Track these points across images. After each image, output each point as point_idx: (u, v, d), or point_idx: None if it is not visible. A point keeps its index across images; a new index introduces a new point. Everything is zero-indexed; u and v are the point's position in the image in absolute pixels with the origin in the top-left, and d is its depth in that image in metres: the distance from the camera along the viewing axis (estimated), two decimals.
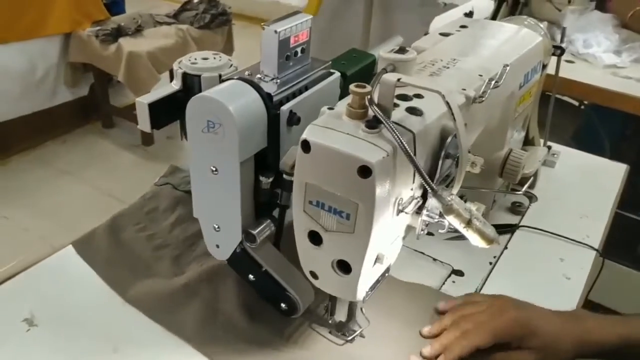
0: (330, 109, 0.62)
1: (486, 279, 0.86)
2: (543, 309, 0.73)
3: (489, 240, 0.57)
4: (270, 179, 0.72)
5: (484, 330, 0.69)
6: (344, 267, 0.62)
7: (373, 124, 0.57)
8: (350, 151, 0.54)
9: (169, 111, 0.76)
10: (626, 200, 1.69)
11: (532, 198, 1.05)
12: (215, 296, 0.79)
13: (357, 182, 0.54)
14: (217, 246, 0.76)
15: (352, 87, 0.58)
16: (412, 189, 0.61)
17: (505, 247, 0.93)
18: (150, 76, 2.57)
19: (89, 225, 0.92)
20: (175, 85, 0.77)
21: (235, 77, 0.70)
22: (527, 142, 1.06)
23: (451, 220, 0.57)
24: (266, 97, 0.69)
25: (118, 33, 2.67)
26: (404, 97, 0.64)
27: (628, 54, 1.64)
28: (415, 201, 0.62)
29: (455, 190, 0.61)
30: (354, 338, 0.73)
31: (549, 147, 1.15)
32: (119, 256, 0.86)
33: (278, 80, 0.72)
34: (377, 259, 0.61)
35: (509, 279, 0.87)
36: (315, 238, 0.61)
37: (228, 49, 2.98)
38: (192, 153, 0.71)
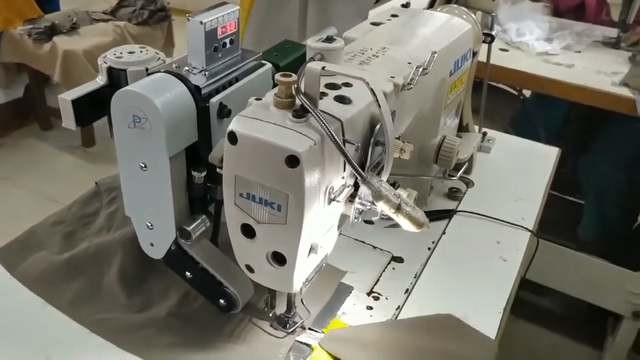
0: (257, 99, 0.61)
1: (425, 264, 0.88)
2: None
3: (419, 224, 0.58)
4: (203, 174, 0.71)
5: None
6: (278, 259, 0.61)
7: (300, 113, 0.56)
8: (277, 141, 0.54)
9: (94, 107, 0.73)
10: (563, 183, 1.75)
11: (468, 183, 1.07)
12: (98, 272, 0.80)
13: (286, 172, 0.54)
14: (152, 244, 0.74)
15: (278, 76, 0.57)
16: (343, 177, 0.61)
17: (444, 233, 0.95)
18: (88, 75, 2.49)
19: None
20: (101, 80, 0.74)
21: (162, 70, 0.69)
22: (462, 128, 1.07)
23: (381, 206, 0.57)
24: (194, 90, 0.67)
25: (52, 31, 2.57)
26: (333, 86, 0.64)
27: (558, 41, 1.70)
28: (347, 189, 0.62)
29: (385, 177, 0.61)
30: (295, 330, 0.72)
31: (484, 134, 1.18)
32: (21, 240, 0.85)
33: (207, 73, 0.71)
34: (312, 249, 0.61)
35: (448, 263, 0.88)
36: (248, 231, 0.61)
37: (168, 44, 2.92)
38: (119, 150, 0.69)
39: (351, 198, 0.63)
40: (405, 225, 0.58)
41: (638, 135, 1.79)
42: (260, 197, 0.57)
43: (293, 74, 0.57)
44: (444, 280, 0.84)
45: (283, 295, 0.74)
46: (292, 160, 0.53)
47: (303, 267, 0.62)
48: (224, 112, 0.70)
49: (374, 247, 0.90)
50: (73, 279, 0.79)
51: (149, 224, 0.73)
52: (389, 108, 0.62)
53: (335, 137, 0.54)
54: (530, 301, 2.02)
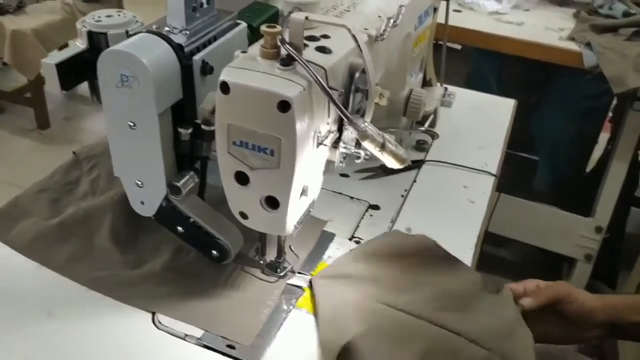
0: (243, 52, 0.64)
1: (400, 210, 0.93)
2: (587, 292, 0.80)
3: (402, 160, 0.62)
4: (190, 130, 0.73)
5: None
6: (272, 203, 0.65)
7: (287, 62, 0.60)
8: (268, 87, 0.57)
9: (77, 72, 0.75)
10: (518, 140, 1.84)
11: (434, 136, 1.13)
12: (89, 233, 0.82)
13: (278, 117, 0.58)
14: (142, 203, 0.77)
15: (263, 27, 0.60)
16: (328, 123, 0.65)
17: (414, 181, 1.01)
18: (39, 54, 2.42)
19: None
20: (81, 44, 0.75)
21: (144, 31, 0.71)
22: (425, 83, 1.13)
23: (367, 145, 0.62)
24: (177, 48, 0.69)
25: None
26: (312, 38, 0.68)
27: (508, 1, 1.77)
28: (332, 135, 0.66)
29: (368, 119, 0.65)
30: (285, 274, 0.77)
31: (446, 88, 1.24)
32: (5, 210, 0.86)
33: (187, 32, 0.73)
34: (303, 192, 0.65)
35: (421, 208, 0.94)
36: (241, 178, 0.64)
37: None
38: (107, 110, 0.71)
39: (335, 144, 0.67)
40: (389, 162, 0.63)
41: (585, 89, 1.89)
42: (254, 143, 0.61)
43: (277, 25, 0.60)
44: (418, 223, 0.90)
45: (272, 244, 0.78)
46: (284, 105, 0.57)
47: (295, 210, 0.66)
48: (207, 69, 0.72)
49: (351, 198, 0.95)
50: (65, 241, 0.81)
51: (139, 182, 0.75)
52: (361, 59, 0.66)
53: (322, 82, 0.58)
54: (491, 253, 2.12)
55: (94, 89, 0.80)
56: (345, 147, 0.67)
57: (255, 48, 0.63)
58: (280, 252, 0.77)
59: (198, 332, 0.69)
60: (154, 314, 0.71)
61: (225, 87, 0.59)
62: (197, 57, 0.71)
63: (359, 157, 0.67)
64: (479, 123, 1.20)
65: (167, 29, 0.72)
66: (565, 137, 1.97)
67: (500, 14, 1.74)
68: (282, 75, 0.59)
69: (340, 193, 0.96)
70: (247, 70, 0.59)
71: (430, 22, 1.01)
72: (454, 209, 0.95)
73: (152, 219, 0.78)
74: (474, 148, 1.11)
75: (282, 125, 0.58)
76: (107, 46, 0.74)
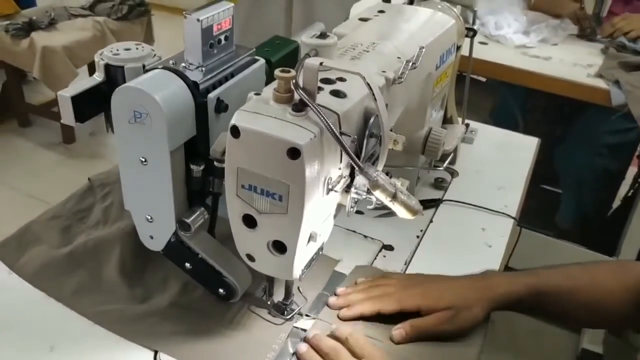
0: (257, 94, 0.63)
1: (415, 252, 0.91)
2: (451, 277, 0.79)
3: (414, 212, 0.61)
4: (202, 167, 0.73)
5: (389, 298, 0.75)
6: (279, 247, 0.64)
7: (299, 107, 0.59)
8: (278, 134, 0.56)
9: (93, 104, 0.75)
10: (542, 173, 1.80)
11: (453, 173, 1.11)
12: (97, 265, 0.82)
13: (287, 163, 0.56)
14: (151, 237, 0.76)
15: (277, 72, 0.59)
16: (340, 169, 0.64)
17: (431, 221, 0.98)
18: (68, 71, 2.48)
19: (11, 229, 0.89)
20: (98, 77, 0.76)
21: (160, 67, 0.70)
22: (446, 120, 1.11)
23: (378, 194, 0.60)
24: (192, 86, 0.69)
25: (30, 27, 2.55)
26: (328, 81, 0.67)
27: (535, 35, 1.75)
28: (343, 180, 0.64)
29: (380, 167, 0.64)
30: (292, 316, 0.75)
31: (467, 125, 1.22)
32: (18, 236, 0.86)
33: (203, 69, 0.72)
34: (311, 237, 0.64)
35: (436, 250, 0.92)
36: (249, 221, 0.63)
37: (148, 40, 2.91)
38: (120, 145, 0.71)
39: (347, 188, 0.66)
40: (401, 212, 0.61)
41: (612, 124, 1.85)
42: (262, 188, 0.60)
43: (292, 70, 0.60)
44: (433, 266, 0.87)
45: (280, 284, 0.76)
46: (294, 152, 0.56)
47: (302, 255, 0.65)
48: (222, 107, 0.72)
49: (365, 237, 0.93)
50: (73, 272, 0.80)
51: (149, 217, 0.75)
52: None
53: (334, 129, 0.57)
54: None
55: (109, 120, 0.80)
56: (357, 193, 0.65)
57: (269, 90, 0.62)
58: (288, 293, 0.75)
59: None
60: (156, 353, 0.70)
61: (235, 131, 0.58)
62: (212, 95, 0.70)
63: (370, 203, 0.66)
64: (500, 161, 1.18)
65: (183, 65, 0.72)
66: (591, 172, 1.93)
67: (527, 48, 1.71)
68: (293, 121, 0.58)
69: (354, 231, 0.94)
70: (259, 114, 0.59)
71: (452, 60, 0.99)
72: (471, 252, 0.92)
73: (161, 253, 0.77)
74: (494, 188, 1.09)
75: (291, 172, 0.57)
76: (124, 79, 0.74)
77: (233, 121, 0.58)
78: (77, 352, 0.70)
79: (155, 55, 0.78)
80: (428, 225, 0.97)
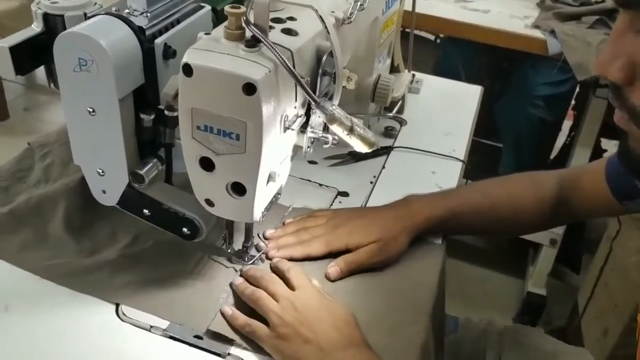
0: (207, 34, 0.62)
1: (369, 197, 0.93)
2: (375, 209, 0.83)
3: (371, 144, 0.62)
4: (152, 116, 0.71)
5: (318, 242, 0.77)
6: (238, 189, 0.63)
7: (252, 44, 0.58)
8: (233, 69, 0.56)
9: (32, 55, 0.72)
10: (484, 129, 1.85)
11: (402, 122, 1.13)
12: (42, 222, 0.80)
13: (243, 100, 0.56)
14: (104, 191, 0.74)
15: (227, 8, 0.58)
16: (295, 107, 0.64)
17: (383, 167, 1.00)
18: None
19: None
20: (36, 27, 0.72)
21: (103, 13, 0.68)
22: (393, 69, 1.12)
23: (335, 129, 0.61)
24: (138, 31, 0.67)
25: None
26: (278, 20, 0.66)
27: None
28: (299, 119, 0.65)
29: (335, 102, 0.64)
30: (254, 262, 0.75)
31: (413, 75, 1.23)
32: None
33: (148, 14, 0.70)
34: (270, 178, 0.64)
35: (389, 194, 0.93)
36: (206, 164, 0.62)
37: None
38: (64, 96, 0.68)
39: (303, 128, 0.66)
40: (358, 145, 0.62)
41: (547, 77, 1.91)
42: (218, 128, 0.59)
43: (242, 6, 0.59)
44: None
45: (239, 232, 0.76)
46: (249, 88, 0.55)
47: (262, 196, 0.65)
48: (170, 53, 0.70)
49: (320, 185, 0.94)
50: (17, 230, 0.78)
51: (100, 171, 0.72)
52: (328, 42, 0.65)
53: (288, 64, 0.57)
54: (457, 239, 2.14)
55: (51, 73, 0.77)
56: (313, 132, 0.65)
57: (219, 30, 0.61)
58: (248, 237, 0.75)
59: (164, 323, 0.67)
60: (117, 305, 0.69)
61: (188, 70, 0.57)
62: (159, 41, 0.68)
63: (327, 142, 0.66)
64: (446, 109, 1.20)
65: (127, 11, 0.70)
66: (529, 125, 1.99)
67: (466, 2, 1.74)
68: (247, 57, 0.57)
69: (309, 180, 0.94)
70: (211, 52, 0.58)
71: (397, 7, 1.00)
72: (416, 179, 0.95)
73: (109, 207, 0.76)
74: (442, 134, 1.11)
75: (247, 109, 0.57)
76: (64, 29, 0.71)
77: (185, 59, 0.57)
78: (33, 310, 0.68)
79: (95, 3, 0.75)
80: (380, 172, 0.99)
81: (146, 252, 0.77)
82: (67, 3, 0.73)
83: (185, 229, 0.75)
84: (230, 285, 0.72)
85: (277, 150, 0.63)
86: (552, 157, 2.21)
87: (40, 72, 0.77)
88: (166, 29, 0.71)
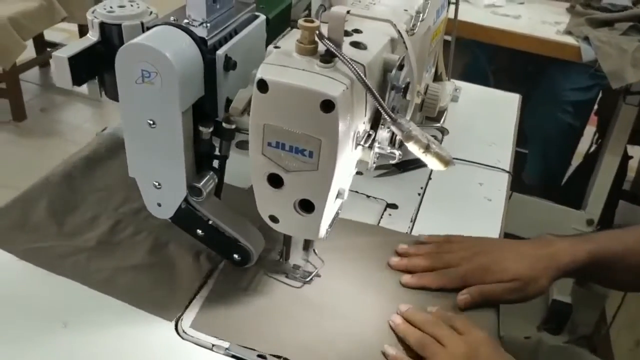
0: (276, 47, 0.60)
1: (418, 209, 0.91)
2: (513, 244, 0.78)
3: (446, 162, 0.60)
4: (210, 129, 0.69)
5: (455, 275, 0.74)
6: (306, 206, 0.62)
7: (327, 59, 0.56)
8: (311, 86, 0.54)
9: (89, 65, 0.70)
10: None
11: (444, 131, 1.11)
12: (25, 214, 0.81)
13: (320, 117, 0.54)
14: (159, 204, 0.73)
15: (301, 22, 0.57)
16: (364, 123, 0.62)
17: (430, 178, 0.98)
18: (16, 44, 2.33)
19: None
20: (93, 36, 0.71)
21: (162, 23, 0.66)
22: (436, 78, 1.10)
23: (411, 146, 0.59)
24: (200, 42, 0.65)
25: None
26: (345, 33, 0.64)
27: None
28: (367, 134, 0.63)
29: (407, 117, 0.62)
30: (311, 279, 0.74)
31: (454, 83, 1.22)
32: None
33: (208, 25, 0.68)
34: (339, 194, 0.62)
35: (439, 206, 0.92)
36: (275, 180, 0.61)
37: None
38: (124, 108, 0.67)
39: (371, 143, 0.64)
40: (433, 164, 0.60)
41: (575, 83, 1.90)
42: (291, 144, 0.57)
43: (315, 20, 0.57)
44: (439, 223, 0.87)
45: (296, 247, 0.75)
46: (327, 105, 0.54)
47: (329, 213, 0.63)
48: (230, 65, 0.68)
49: (368, 196, 0.92)
50: None
51: (157, 183, 0.71)
52: (395, 55, 0.64)
53: (365, 80, 0.55)
54: None
55: (104, 83, 0.76)
56: (380, 148, 0.64)
57: (288, 43, 0.59)
58: (306, 257, 0.74)
59: (225, 342, 0.66)
60: (177, 322, 0.68)
61: (263, 85, 0.55)
62: (220, 52, 0.67)
63: (393, 158, 0.65)
64: (486, 118, 1.19)
65: (186, 21, 0.68)
66: (557, 130, 1.97)
67: (496, 7, 1.72)
68: (323, 72, 0.55)
69: (357, 192, 0.93)
70: (286, 67, 0.56)
71: (444, 15, 0.98)
72: (473, 207, 0.93)
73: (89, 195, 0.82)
74: (485, 144, 1.09)
75: (323, 126, 0.55)
76: (121, 39, 0.70)
77: (260, 75, 0.55)
78: (92, 327, 0.66)
79: (152, 12, 0.73)
80: (427, 183, 0.97)
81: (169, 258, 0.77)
82: (123, 12, 0.71)
83: (236, 256, 0.74)
84: None
85: (347, 167, 0.61)
86: (573, 162, 2.19)
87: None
88: (225, 39, 0.70)
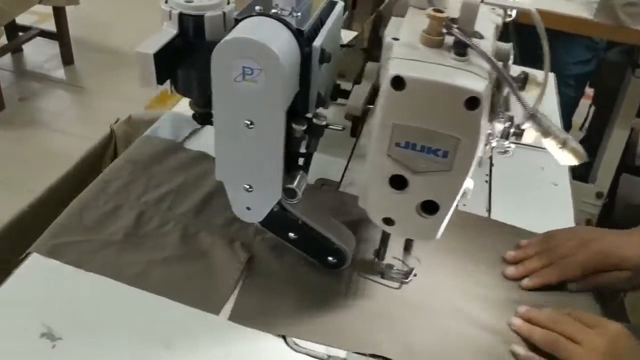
0: (395, 39, 0.56)
1: (490, 196, 0.88)
2: (616, 232, 0.75)
3: (580, 157, 0.57)
4: (304, 127, 0.65)
5: (571, 264, 0.71)
6: (430, 208, 0.58)
7: (461, 51, 0.52)
8: (454, 82, 0.50)
9: (169, 61, 0.64)
10: None
11: None
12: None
13: (462, 115, 0.51)
14: (248, 208, 0.68)
15: (430, 12, 0.53)
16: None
17: (492, 164, 0.96)
18: None
19: None
20: (171, 28, 0.64)
21: (248, 15, 0.61)
22: None
23: (547, 142, 0.56)
24: (297, 34, 0.61)
25: None
26: (452, 20, 0.60)
27: None
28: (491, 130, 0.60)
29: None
30: (410, 279, 0.71)
31: None
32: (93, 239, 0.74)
33: (298, 14, 0.64)
34: (463, 194, 0.59)
35: (509, 193, 0.90)
36: (398, 182, 0.57)
37: None
38: (218, 108, 0.61)
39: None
40: (566, 159, 0.57)
41: (578, 55, 1.90)
42: (423, 144, 0.54)
43: (444, 10, 0.53)
44: (515, 209, 0.86)
45: (391, 246, 0.71)
46: (472, 102, 0.50)
47: (450, 213, 0.60)
48: (325, 57, 0.63)
49: None
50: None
51: (248, 186, 0.66)
52: (506, 44, 0.60)
53: (505, 74, 0.52)
54: None
55: (175, 78, 0.70)
56: (497, 142, 0.61)
57: (407, 34, 0.55)
58: (406, 256, 0.70)
59: (341, 351, 0.62)
60: (285, 337, 0.63)
61: (399, 83, 0.51)
62: (316, 44, 0.62)
63: (508, 151, 0.62)
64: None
65: (274, 10, 0.63)
66: (562, 104, 1.98)
67: None
68: (461, 67, 0.51)
69: None
70: (420, 62, 0.52)
71: None
72: (542, 192, 0.91)
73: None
74: None
75: (465, 124, 0.51)
76: (202, 31, 0.64)
77: (395, 71, 0.51)
78: (197, 347, 0.62)
79: (229, 2, 0.68)
80: (490, 169, 0.95)
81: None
82: (202, 2, 0.65)
83: (331, 258, 0.70)
84: None
85: (475, 165, 0.58)
86: (572, 135, 2.20)
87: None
88: (315, 30, 0.65)
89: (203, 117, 0.73)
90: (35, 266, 0.69)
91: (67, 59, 2.75)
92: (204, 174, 0.86)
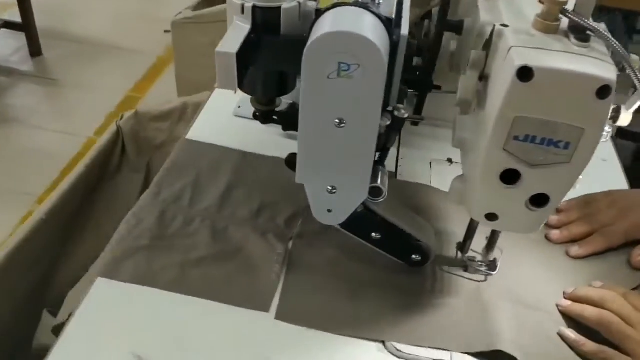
0: (503, 25, 0.53)
1: None
2: None
3: None
4: (389, 122, 0.61)
5: (615, 233, 0.71)
6: (539, 201, 0.56)
7: (583, 37, 0.50)
8: (587, 70, 0.47)
9: (245, 60, 0.59)
10: None
11: None
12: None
13: (591, 104, 0.48)
14: (329, 211, 0.65)
15: None
16: None
17: None
18: None
19: None
20: (244, 23, 0.60)
21: (343, 4, 0.57)
22: None
23: None
24: (387, 23, 0.57)
25: None
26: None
27: None
28: None
29: None
30: (492, 269, 0.69)
31: None
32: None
33: (380, 1, 0.60)
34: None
35: None
36: (509, 176, 0.54)
37: None
38: (305, 107, 0.57)
39: None
40: None
41: None
42: (544, 137, 0.51)
43: None
44: None
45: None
46: (604, 91, 0.48)
47: None
48: (412, 47, 0.60)
49: None
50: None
51: (330, 188, 0.63)
52: None
53: (627, 59, 0.49)
54: None
55: (242, 76, 0.65)
56: None
57: (515, 20, 0.52)
58: (490, 246, 0.68)
59: (445, 352, 0.60)
60: (383, 342, 0.61)
61: (526, 73, 0.48)
62: (404, 32, 0.58)
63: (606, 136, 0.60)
64: None
65: None
66: None
67: None
68: (586, 53, 0.49)
69: None
70: (543, 50, 0.49)
71: None
72: (591, 168, 0.90)
73: None
74: None
75: (593, 114, 0.49)
76: (278, 25, 0.60)
77: (520, 62, 0.48)
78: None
79: None
80: None
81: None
82: None
83: (415, 256, 0.68)
84: None
85: None
86: None
87: None
88: (397, 17, 0.61)
89: (265, 115, 0.69)
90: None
91: (34, 50, 2.60)
92: (216, 165, 0.82)
